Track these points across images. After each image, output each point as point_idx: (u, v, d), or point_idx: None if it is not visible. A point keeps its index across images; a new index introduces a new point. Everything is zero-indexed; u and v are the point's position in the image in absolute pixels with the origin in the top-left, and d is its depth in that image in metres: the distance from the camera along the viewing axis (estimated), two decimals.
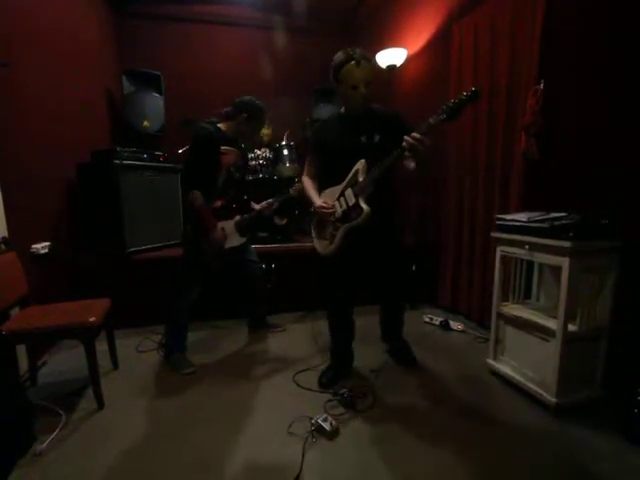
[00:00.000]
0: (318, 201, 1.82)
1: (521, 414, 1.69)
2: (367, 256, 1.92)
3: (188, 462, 1.44)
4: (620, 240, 1.64)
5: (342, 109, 1.87)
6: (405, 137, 1.52)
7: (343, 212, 1.76)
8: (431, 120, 1.50)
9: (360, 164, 1.71)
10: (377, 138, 1.76)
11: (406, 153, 1.55)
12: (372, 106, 1.81)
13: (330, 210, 1.77)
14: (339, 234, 1.77)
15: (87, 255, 2.69)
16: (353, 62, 1.65)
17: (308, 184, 1.93)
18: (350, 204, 1.73)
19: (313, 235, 1.96)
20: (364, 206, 1.67)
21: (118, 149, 2.67)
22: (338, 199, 1.79)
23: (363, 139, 1.76)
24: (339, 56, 1.70)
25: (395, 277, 2.07)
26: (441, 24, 2.94)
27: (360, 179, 1.70)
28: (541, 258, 1.71)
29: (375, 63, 1.90)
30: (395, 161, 1.62)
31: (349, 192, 1.74)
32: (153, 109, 3.61)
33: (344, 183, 1.77)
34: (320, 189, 1.90)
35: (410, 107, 3.27)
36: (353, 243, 1.77)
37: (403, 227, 2.17)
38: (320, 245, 1.90)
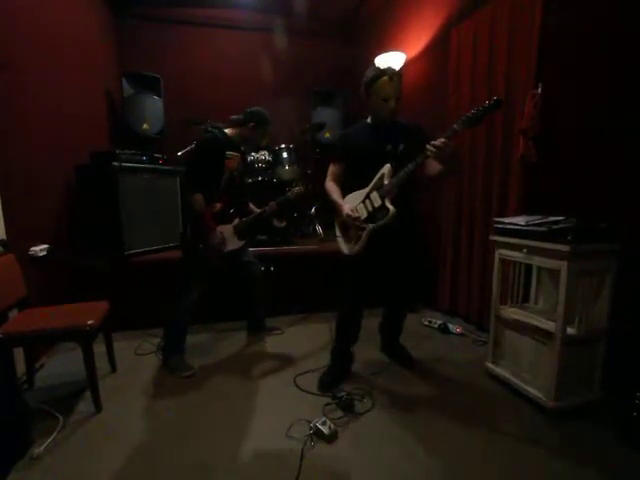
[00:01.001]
0: (346, 208, 1.84)
1: (520, 417, 1.70)
2: (387, 257, 1.95)
3: (187, 465, 1.44)
4: (618, 243, 1.64)
5: (369, 119, 1.94)
6: (431, 143, 1.59)
7: (368, 213, 1.81)
8: (455, 126, 1.58)
9: (386, 168, 1.77)
10: (401, 147, 1.83)
11: (429, 154, 1.61)
12: (397, 119, 1.89)
13: (357, 217, 1.80)
14: (364, 235, 1.80)
15: (86, 257, 2.68)
16: (386, 77, 1.75)
17: (332, 188, 1.96)
18: (376, 205, 1.78)
19: (337, 235, 1.99)
20: (390, 207, 1.73)
21: (117, 151, 2.67)
22: (363, 202, 1.83)
23: (388, 147, 1.83)
24: (372, 70, 1.80)
25: (408, 278, 2.10)
26: (440, 28, 2.96)
27: (386, 182, 1.75)
28: (539, 261, 1.72)
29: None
30: (419, 165, 1.69)
31: (375, 194, 1.79)
32: (152, 112, 3.62)
33: (369, 187, 1.82)
34: (343, 193, 1.93)
35: (408, 111, 3.28)
36: (377, 243, 1.81)
37: (419, 231, 2.20)
38: (345, 246, 1.93)
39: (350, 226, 1.87)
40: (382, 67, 1.79)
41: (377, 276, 2.03)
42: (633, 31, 1.67)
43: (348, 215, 1.81)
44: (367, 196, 1.82)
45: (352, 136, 1.95)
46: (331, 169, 2.01)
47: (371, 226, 1.78)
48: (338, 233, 1.98)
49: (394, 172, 1.75)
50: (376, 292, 2.07)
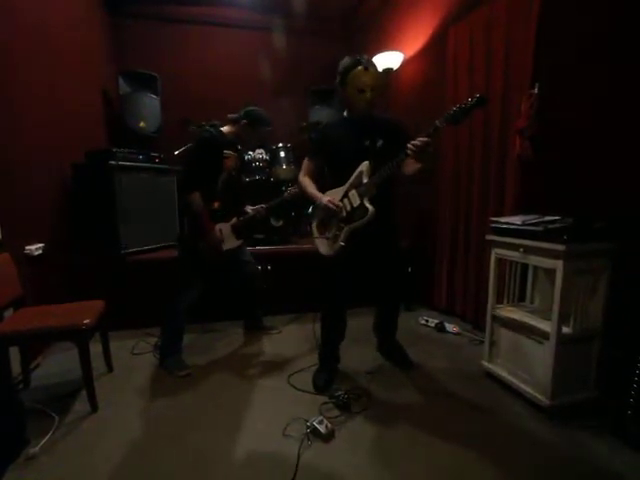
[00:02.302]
0: (324, 198, 1.81)
1: (516, 416, 1.70)
2: (368, 257, 1.93)
3: (183, 464, 1.43)
4: (613, 242, 1.65)
5: (345, 113, 1.89)
6: (412, 142, 1.56)
7: (347, 212, 1.78)
8: (437, 123, 1.54)
9: (364, 166, 1.73)
10: (380, 142, 1.79)
11: (409, 153, 1.58)
12: (374, 113, 1.85)
13: (338, 205, 1.77)
14: (343, 234, 1.78)
15: (82, 256, 2.67)
16: (361, 67, 1.70)
17: (307, 182, 1.92)
18: (355, 205, 1.75)
19: (314, 235, 1.95)
20: (369, 206, 1.70)
21: (114, 150, 2.66)
22: (342, 200, 1.80)
23: (366, 143, 1.79)
24: (347, 61, 1.75)
25: (394, 277, 2.08)
26: (437, 28, 2.96)
27: (364, 181, 1.72)
28: (535, 261, 1.72)
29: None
30: (400, 164, 1.65)
31: (353, 193, 1.76)
32: (149, 110, 3.60)
33: (347, 184, 1.79)
34: (321, 190, 1.89)
35: (406, 110, 3.29)
36: (356, 243, 1.79)
37: (400, 229, 2.21)
38: (323, 245, 1.90)
39: (329, 225, 1.84)
40: (357, 56, 1.73)
41: (359, 275, 2.01)
42: (630, 30, 1.68)
43: (329, 201, 1.77)
44: (345, 194, 1.79)
45: (330, 131, 1.89)
46: (306, 164, 1.96)
47: (350, 226, 1.76)
48: (315, 233, 1.94)
49: (373, 170, 1.71)
50: (360, 291, 2.06)
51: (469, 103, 1.49)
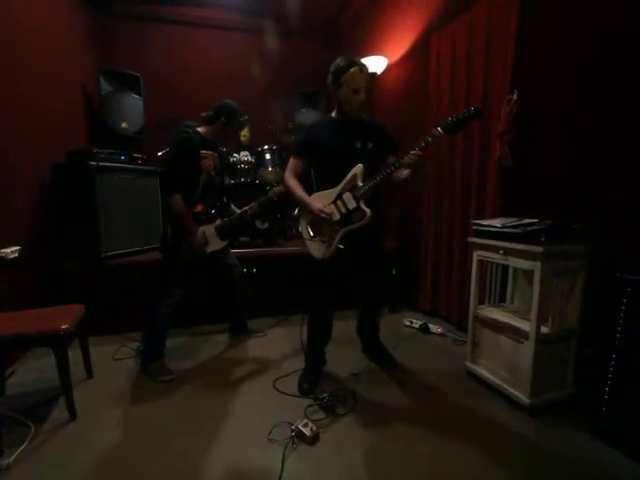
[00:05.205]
0: (316, 204, 1.77)
1: (498, 415, 1.73)
2: (354, 258, 1.93)
3: (166, 471, 1.41)
4: (589, 244, 1.71)
5: (334, 113, 1.89)
6: (413, 152, 1.62)
7: (342, 215, 1.77)
8: (436, 132, 1.61)
9: (358, 168, 1.74)
10: (370, 145, 1.81)
11: (409, 160, 1.64)
12: (362, 116, 1.87)
13: (330, 212, 1.76)
14: (338, 237, 1.77)
15: (60, 259, 2.60)
16: (357, 67, 1.72)
17: (295, 185, 1.87)
18: (350, 207, 1.75)
19: (306, 238, 1.91)
20: (366, 209, 1.72)
21: (95, 150, 2.60)
22: (335, 202, 1.79)
23: (358, 144, 1.80)
24: (341, 61, 1.76)
25: (376, 279, 2.10)
26: (420, 34, 3.01)
27: (360, 183, 1.73)
28: (515, 262, 1.76)
29: None
30: (397, 169, 1.69)
31: (348, 196, 1.76)
32: (132, 110, 3.53)
33: (340, 186, 1.78)
34: (310, 191, 1.87)
35: (390, 115, 3.33)
36: (347, 245, 1.79)
37: (385, 231, 2.23)
38: (316, 248, 1.86)
39: (321, 227, 1.83)
40: (351, 58, 1.76)
41: (344, 277, 2.01)
42: (612, 36, 1.73)
43: (320, 210, 1.74)
44: (339, 197, 1.78)
45: (319, 131, 1.87)
46: (292, 164, 1.91)
47: (346, 228, 1.76)
48: (307, 235, 1.90)
49: (366, 173, 1.73)
50: (345, 293, 2.06)
51: (464, 114, 1.55)
